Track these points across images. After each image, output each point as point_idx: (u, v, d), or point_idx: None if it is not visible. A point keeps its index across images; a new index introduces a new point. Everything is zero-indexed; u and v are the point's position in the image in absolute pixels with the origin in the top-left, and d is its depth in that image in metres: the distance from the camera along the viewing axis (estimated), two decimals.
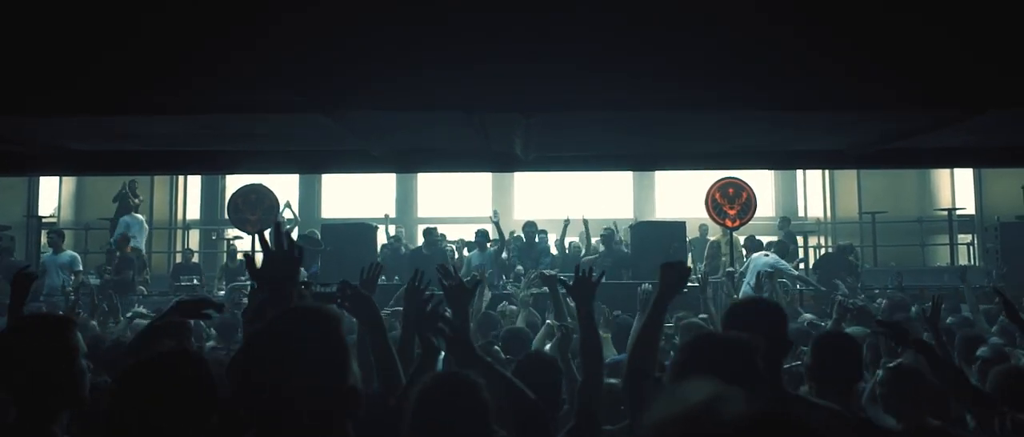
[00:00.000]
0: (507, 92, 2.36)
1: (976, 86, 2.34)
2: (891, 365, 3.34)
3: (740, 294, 8.88)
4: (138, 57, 2.28)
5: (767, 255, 10.06)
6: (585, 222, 11.35)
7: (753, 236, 10.89)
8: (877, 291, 10.31)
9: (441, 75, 2.32)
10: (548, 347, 4.83)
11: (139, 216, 13.01)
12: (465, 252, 11.32)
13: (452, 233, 12.60)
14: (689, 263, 11.32)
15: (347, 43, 2.29)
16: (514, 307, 6.47)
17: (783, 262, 10.11)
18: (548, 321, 5.32)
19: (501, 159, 3.61)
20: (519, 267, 9.02)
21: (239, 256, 11.50)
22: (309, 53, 2.31)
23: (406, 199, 16.96)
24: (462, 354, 2.68)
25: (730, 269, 9.76)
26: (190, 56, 2.30)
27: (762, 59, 2.32)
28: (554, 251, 11.31)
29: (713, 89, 2.39)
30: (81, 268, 10.83)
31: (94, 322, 6.07)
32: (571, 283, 3.11)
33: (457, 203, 16.88)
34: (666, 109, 2.63)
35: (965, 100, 2.40)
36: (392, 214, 14.66)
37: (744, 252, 10.51)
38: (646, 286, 6.11)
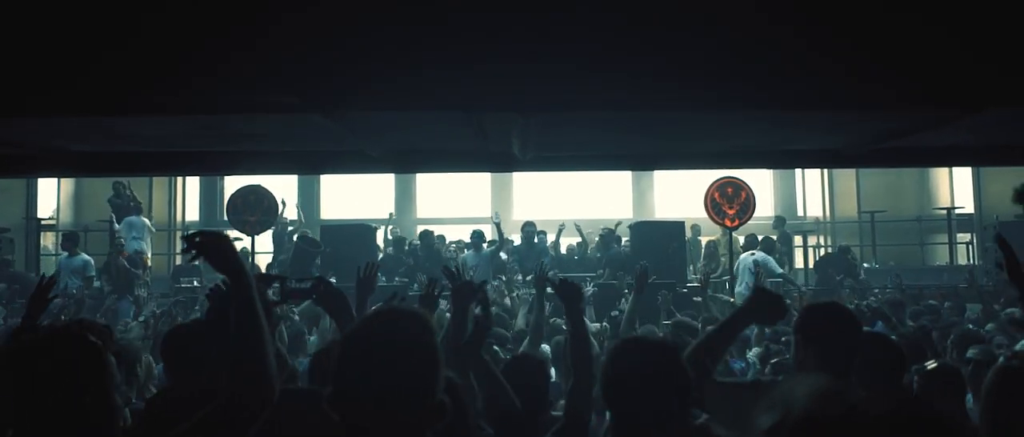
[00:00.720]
0: (506, 92, 2.36)
1: (975, 85, 2.34)
2: (928, 368, 3.25)
3: (735, 294, 8.90)
4: (138, 57, 2.28)
5: (753, 254, 10.07)
6: (577, 226, 11.42)
7: (753, 235, 10.89)
8: (876, 290, 10.30)
9: (440, 75, 2.32)
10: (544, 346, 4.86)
11: (142, 218, 12.94)
12: (465, 251, 11.33)
13: (452, 234, 12.59)
14: (688, 265, 11.34)
15: (346, 43, 2.29)
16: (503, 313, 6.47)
17: (771, 260, 10.12)
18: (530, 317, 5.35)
19: (499, 159, 3.61)
20: (518, 276, 9.03)
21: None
22: (308, 53, 2.31)
23: (405, 199, 16.95)
24: (468, 352, 2.75)
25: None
26: (190, 56, 2.29)
27: (762, 59, 2.32)
28: (552, 252, 11.33)
29: (713, 89, 2.38)
30: (93, 273, 10.77)
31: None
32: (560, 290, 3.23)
33: (456, 204, 16.88)
34: (666, 109, 2.63)
35: (964, 99, 2.40)
36: (395, 214, 14.66)
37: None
38: (664, 292, 6.23)
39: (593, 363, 3.06)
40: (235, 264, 1.98)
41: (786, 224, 13.11)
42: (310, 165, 4.56)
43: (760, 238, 10.85)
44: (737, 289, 9.47)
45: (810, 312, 2.74)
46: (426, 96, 2.35)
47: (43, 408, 1.89)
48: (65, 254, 10.99)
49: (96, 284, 10.67)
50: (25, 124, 2.93)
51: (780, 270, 10.46)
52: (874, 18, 2.28)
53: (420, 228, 12.11)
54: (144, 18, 2.27)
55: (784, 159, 4.45)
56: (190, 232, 2.09)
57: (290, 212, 12.58)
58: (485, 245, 10.75)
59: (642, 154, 4.05)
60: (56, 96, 2.32)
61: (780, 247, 11.74)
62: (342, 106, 2.46)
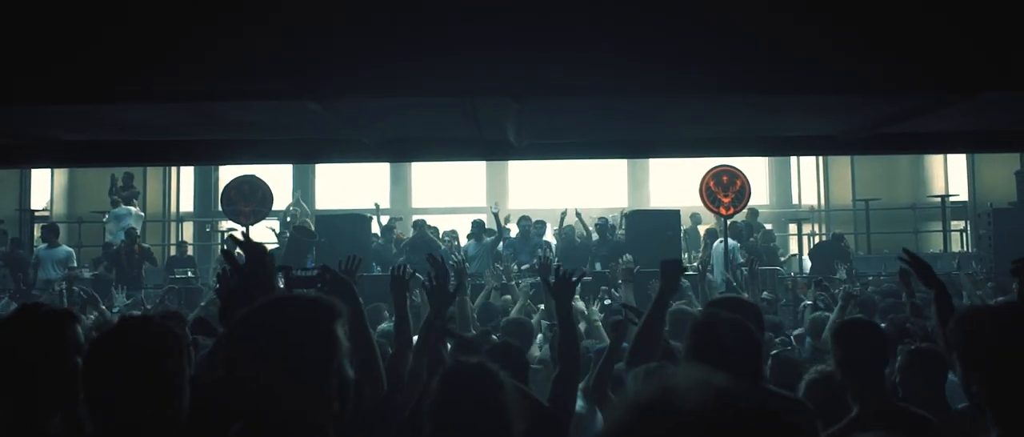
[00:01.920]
0: (501, 78, 2.34)
1: (973, 69, 2.33)
2: (912, 348, 3.23)
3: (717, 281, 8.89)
4: (129, 44, 2.25)
5: (720, 241, 10.07)
6: (578, 214, 11.40)
7: (748, 223, 10.88)
8: (871, 278, 10.32)
9: (435, 61, 2.30)
10: (543, 350, 4.84)
11: (126, 208, 12.91)
12: (465, 240, 11.34)
13: (447, 224, 12.58)
14: (684, 253, 11.34)
15: (340, 30, 2.27)
16: (508, 297, 6.47)
17: (738, 248, 10.14)
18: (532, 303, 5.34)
19: (494, 147, 3.59)
20: (514, 265, 9.02)
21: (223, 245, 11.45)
22: (302, 40, 2.29)
23: (400, 190, 16.91)
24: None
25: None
26: (182, 43, 2.27)
27: (759, 44, 2.31)
28: (552, 240, 11.32)
29: (710, 74, 2.37)
30: (75, 264, 10.76)
31: (88, 317, 6.04)
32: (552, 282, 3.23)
33: (452, 194, 16.85)
34: (662, 95, 2.61)
35: (962, 83, 2.39)
36: (384, 204, 14.62)
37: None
38: (654, 282, 6.23)
39: (579, 355, 3.10)
40: (354, 301, 2.74)
41: (759, 216, 13.06)
42: (305, 154, 4.54)
43: (729, 222, 10.80)
44: (718, 276, 9.48)
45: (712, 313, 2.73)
46: (420, 82, 2.33)
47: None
48: (45, 245, 10.98)
49: (87, 274, 10.65)
50: (17, 114, 2.90)
51: (739, 260, 10.46)
52: (872, 2, 2.26)
53: (416, 218, 12.09)
54: (136, 5, 2.25)
55: (781, 146, 4.44)
56: (325, 266, 3.01)
57: (292, 207, 12.64)
58: (485, 235, 10.75)
59: (638, 141, 4.04)
60: (46, 84, 2.29)
61: (756, 242, 11.60)
62: (336, 93, 2.45)
